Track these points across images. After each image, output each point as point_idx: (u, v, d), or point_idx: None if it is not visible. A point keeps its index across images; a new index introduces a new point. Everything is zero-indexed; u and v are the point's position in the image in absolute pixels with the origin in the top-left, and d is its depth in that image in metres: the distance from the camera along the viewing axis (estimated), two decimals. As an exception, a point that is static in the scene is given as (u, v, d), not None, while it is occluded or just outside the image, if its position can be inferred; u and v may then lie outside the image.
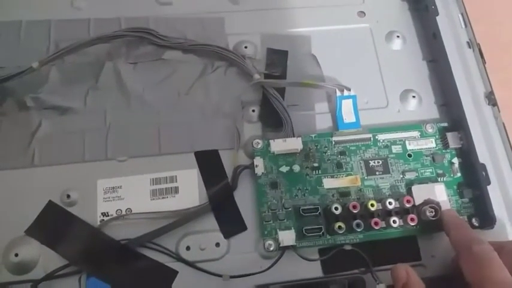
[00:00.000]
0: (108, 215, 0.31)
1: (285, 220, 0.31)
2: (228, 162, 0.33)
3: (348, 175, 0.32)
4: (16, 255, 0.30)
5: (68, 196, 0.31)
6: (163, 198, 0.32)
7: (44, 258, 0.30)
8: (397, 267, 0.27)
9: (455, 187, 0.32)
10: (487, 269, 0.25)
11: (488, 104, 0.35)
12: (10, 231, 0.30)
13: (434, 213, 0.29)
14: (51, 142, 0.33)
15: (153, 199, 0.32)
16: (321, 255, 0.30)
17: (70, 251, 0.30)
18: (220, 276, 0.29)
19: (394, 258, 0.30)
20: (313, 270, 0.30)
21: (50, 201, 0.31)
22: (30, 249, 0.30)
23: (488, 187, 0.32)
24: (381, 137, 0.33)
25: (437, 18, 0.37)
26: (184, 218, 0.31)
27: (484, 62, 0.37)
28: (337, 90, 0.34)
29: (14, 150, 0.33)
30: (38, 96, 0.34)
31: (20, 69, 0.33)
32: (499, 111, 0.35)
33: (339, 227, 0.29)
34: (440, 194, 0.31)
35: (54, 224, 0.31)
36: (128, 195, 0.32)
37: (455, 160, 0.33)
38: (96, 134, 0.33)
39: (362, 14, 0.39)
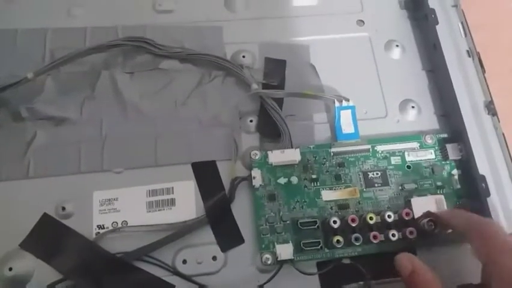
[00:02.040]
0: (104, 228, 0.31)
1: (283, 233, 0.30)
2: (226, 173, 0.33)
3: (346, 187, 0.32)
4: (10, 269, 0.29)
5: (64, 208, 0.31)
6: (159, 210, 0.32)
7: (39, 272, 0.30)
8: (400, 257, 0.27)
9: (455, 199, 0.32)
10: (501, 253, 0.24)
11: (488, 114, 0.35)
12: (4, 245, 0.30)
13: (433, 226, 0.29)
14: (47, 153, 0.33)
15: (150, 211, 0.32)
16: (319, 269, 0.30)
17: (65, 265, 0.30)
18: (217, 290, 0.29)
19: (393, 271, 0.30)
20: (312, 284, 0.30)
21: (44, 213, 0.31)
22: (24, 263, 0.30)
23: (488, 199, 0.31)
24: (380, 148, 0.33)
25: (437, 27, 0.37)
26: (181, 231, 0.30)
27: (483, 71, 0.36)
28: (335, 100, 0.33)
29: (8, 161, 0.32)
30: (33, 106, 0.33)
31: (14, 79, 0.33)
32: (499, 121, 0.35)
33: (337, 241, 0.29)
34: (440, 206, 0.30)
35: (49, 237, 0.30)
36: (124, 207, 0.31)
37: (455, 172, 0.32)
38: (92, 145, 0.33)
39: (361, 22, 0.39)
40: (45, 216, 0.31)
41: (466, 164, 0.32)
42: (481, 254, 0.26)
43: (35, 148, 0.33)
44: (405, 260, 0.27)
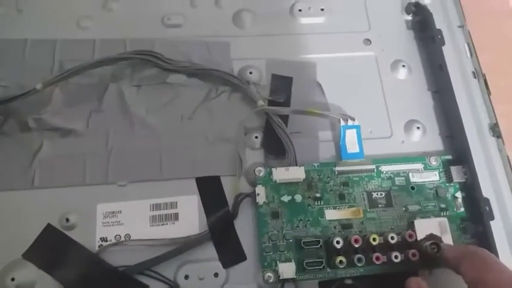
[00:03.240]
0: (107, 240, 0.31)
1: (286, 252, 0.30)
2: (230, 189, 0.33)
3: (350, 207, 0.32)
4: (12, 279, 0.29)
5: (67, 220, 0.31)
6: (162, 224, 0.32)
7: (41, 283, 0.30)
8: (409, 281, 0.28)
9: (458, 222, 0.32)
10: (484, 270, 0.25)
11: (493, 136, 0.35)
12: (7, 254, 0.30)
13: (436, 249, 0.29)
14: (52, 164, 0.33)
15: (153, 225, 0.32)
16: (321, 288, 0.30)
17: (67, 277, 0.30)
18: (218, 307, 0.29)
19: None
20: (313, 303, 0.30)
21: (48, 224, 0.31)
22: (27, 274, 0.30)
23: (492, 222, 0.31)
24: (385, 168, 0.33)
25: (443, 48, 0.37)
26: (183, 246, 0.30)
27: (489, 93, 0.37)
28: (341, 119, 0.34)
29: (14, 171, 0.33)
30: (40, 117, 0.34)
31: (23, 89, 0.33)
32: (504, 144, 0.35)
33: (340, 261, 0.29)
34: (443, 228, 0.30)
35: (52, 248, 0.31)
36: (128, 220, 0.32)
37: (459, 194, 0.32)
38: (98, 158, 0.33)
39: (368, 41, 0.39)
40: (49, 226, 0.31)
41: (470, 187, 0.32)
42: (471, 277, 0.26)
43: (40, 158, 0.33)
44: (414, 284, 0.27)
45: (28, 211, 0.32)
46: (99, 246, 0.31)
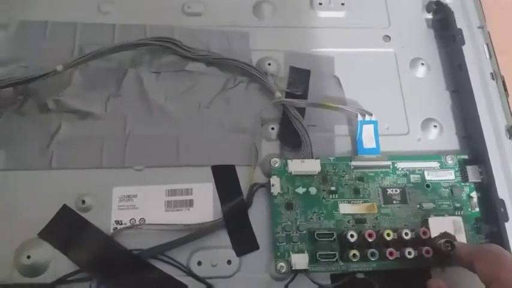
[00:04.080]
0: (121, 224, 0.31)
1: (299, 243, 0.30)
2: (244, 178, 0.33)
3: (364, 202, 0.32)
4: (28, 257, 0.29)
5: (83, 201, 0.31)
6: (177, 210, 0.32)
7: (55, 262, 0.30)
8: (430, 282, 0.28)
9: (472, 222, 0.32)
10: (499, 267, 0.25)
11: (510, 138, 0.35)
12: (24, 233, 0.31)
13: (450, 247, 0.29)
14: (70, 146, 0.33)
15: (168, 210, 0.32)
16: (333, 281, 0.30)
17: (82, 257, 0.30)
18: (230, 294, 0.29)
19: (406, 289, 0.30)
20: (324, 295, 0.30)
21: (64, 205, 0.31)
22: (42, 252, 0.30)
23: (506, 223, 0.31)
24: (400, 165, 0.33)
25: (463, 47, 0.37)
26: (197, 233, 0.31)
27: (507, 95, 0.36)
28: (359, 114, 0.34)
29: (32, 151, 0.33)
30: (59, 98, 0.34)
31: (43, 71, 0.34)
32: (520, 146, 0.35)
33: (354, 255, 0.29)
34: (457, 227, 0.30)
35: (67, 229, 0.31)
36: (143, 204, 0.32)
37: (474, 194, 0.32)
38: (115, 141, 0.33)
39: (387, 38, 0.39)
40: (65, 207, 0.31)
41: (486, 187, 0.32)
42: (485, 274, 0.26)
43: (58, 140, 0.33)
44: (434, 284, 0.28)
45: (45, 191, 0.32)
46: (113, 229, 0.31)
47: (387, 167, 0.33)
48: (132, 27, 0.37)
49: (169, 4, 0.39)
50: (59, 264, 0.30)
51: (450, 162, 0.33)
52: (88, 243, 0.30)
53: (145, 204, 0.32)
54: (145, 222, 0.31)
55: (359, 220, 0.31)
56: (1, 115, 0.34)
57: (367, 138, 0.33)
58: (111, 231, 0.31)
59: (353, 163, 0.32)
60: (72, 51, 0.36)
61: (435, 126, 0.36)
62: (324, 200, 0.32)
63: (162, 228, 0.31)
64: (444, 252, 0.29)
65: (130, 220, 0.31)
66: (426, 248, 0.29)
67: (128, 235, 0.31)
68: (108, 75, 0.35)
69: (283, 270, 0.29)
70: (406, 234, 0.29)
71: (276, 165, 0.32)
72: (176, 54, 0.36)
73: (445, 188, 0.32)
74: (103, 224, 0.31)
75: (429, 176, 0.33)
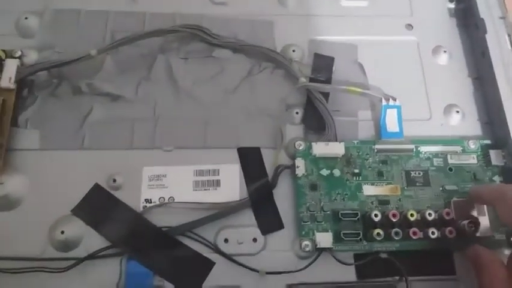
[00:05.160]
0: (151, 202, 0.32)
1: (323, 222, 0.31)
2: (269, 161, 0.34)
3: (388, 184, 0.32)
4: (62, 232, 0.31)
5: (114, 180, 0.33)
6: (205, 190, 0.33)
7: (87, 238, 0.31)
8: (471, 248, 0.29)
9: (495, 205, 0.32)
10: None
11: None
12: (58, 209, 0.32)
13: (474, 228, 0.29)
14: (101, 127, 0.34)
15: (196, 190, 0.33)
16: (356, 260, 0.31)
17: (113, 234, 0.31)
18: (256, 271, 0.30)
19: (428, 270, 0.31)
20: (348, 274, 0.31)
21: (96, 183, 0.33)
22: (75, 229, 0.31)
23: (529, 208, 0.32)
24: (423, 149, 0.33)
25: (486, 36, 0.37)
26: (224, 211, 0.32)
27: (529, 84, 0.37)
28: (383, 99, 0.34)
29: (65, 132, 0.34)
30: (92, 82, 0.35)
31: (77, 55, 0.35)
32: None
33: (378, 233, 0.29)
34: (480, 210, 0.31)
35: (99, 206, 0.32)
36: (172, 184, 0.33)
37: (497, 178, 0.33)
38: (145, 123, 0.34)
39: (410, 26, 0.40)
40: (97, 186, 0.33)
41: (509, 172, 0.33)
42: (506, 218, 0.27)
43: (90, 122, 0.34)
44: (471, 252, 0.29)
45: (77, 170, 0.33)
46: (143, 207, 0.32)
47: (410, 150, 0.33)
48: (162, 15, 0.39)
49: (197, -7, 0.40)
50: (91, 240, 0.31)
51: (473, 146, 0.34)
52: (119, 220, 0.32)
53: (174, 184, 0.33)
54: (174, 201, 0.32)
55: (382, 201, 0.32)
56: (36, 98, 0.35)
57: (391, 123, 0.34)
58: (141, 209, 0.32)
59: (377, 146, 0.33)
60: (104, 38, 0.37)
61: (457, 111, 0.36)
62: (347, 182, 0.32)
63: (190, 207, 0.32)
64: (468, 233, 0.29)
65: (159, 198, 0.32)
66: (449, 228, 0.30)
67: (157, 213, 0.32)
68: (138, 61, 0.37)
69: (307, 249, 0.30)
70: (430, 214, 0.30)
71: (301, 148, 0.33)
72: (204, 42, 0.37)
73: (467, 172, 0.33)
74: (133, 202, 0.32)
75: (452, 160, 0.33)
